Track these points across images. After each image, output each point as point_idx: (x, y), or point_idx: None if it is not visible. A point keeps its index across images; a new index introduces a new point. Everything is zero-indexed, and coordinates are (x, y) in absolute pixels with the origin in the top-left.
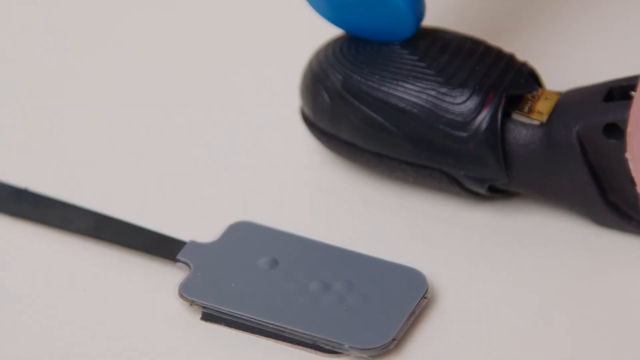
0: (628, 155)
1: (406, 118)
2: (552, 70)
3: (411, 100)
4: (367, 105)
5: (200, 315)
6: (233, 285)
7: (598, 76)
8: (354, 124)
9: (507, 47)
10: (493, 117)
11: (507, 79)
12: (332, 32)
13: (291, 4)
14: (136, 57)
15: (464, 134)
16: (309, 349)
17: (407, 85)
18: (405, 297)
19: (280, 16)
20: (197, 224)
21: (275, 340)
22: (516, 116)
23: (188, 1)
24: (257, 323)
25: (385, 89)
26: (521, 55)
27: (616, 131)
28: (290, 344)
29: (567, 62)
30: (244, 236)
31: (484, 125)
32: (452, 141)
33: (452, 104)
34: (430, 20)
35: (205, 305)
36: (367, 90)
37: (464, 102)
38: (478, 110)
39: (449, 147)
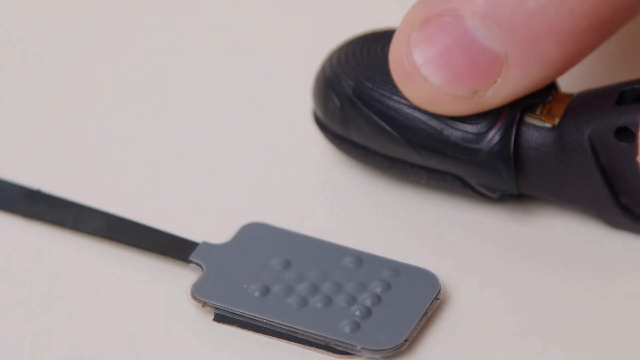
0: (639, 159)
1: (416, 129)
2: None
3: (422, 111)
4: (377, 114)
5: (212, 317)
6: (245, 286)
7: (612, 77)
8: (364, 130)
9: None
10: (507, 130)
11: None
12: (348, 34)
13: (308, 4)
14: (149, 58)
15: (477, 146)
16: (321, 350)
17: None
18: (418, 298)
19: (297, 16)
20: (209, 225)
21: (288, 341)
22: (528, 119)
23: (202, 2)
24: (270, 324)
25: (396, 98)
26: None
27: (628, 134)
28: (302, 345)
29: (581, 62)
30: (257, 237)
31: (497, 138)
32: (463, 153)
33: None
34: None
35: (217, 307)
36: (378, 98)
37: (478, 114)
38: (492, 123)
39: (460, 158)
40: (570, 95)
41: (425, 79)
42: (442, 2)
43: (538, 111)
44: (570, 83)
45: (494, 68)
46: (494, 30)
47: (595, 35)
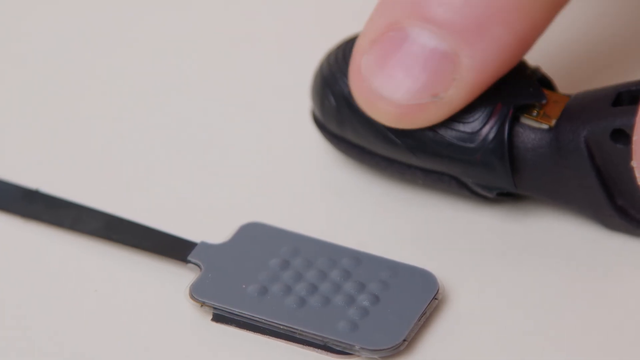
0: (634, 163)
1: (410, 130)
2: (563, 71)
3: None
4: None
5: (211, 317)
6: (244, 286)
7: (609, 78)
8: (359, 130)
9: None
10: (500, 128)
11: (515, 88)
12: (346, 32)
13: (308, 2)
14: (147, 57)
15: (471, 145)
16: (319, 350)
17: None
18: (416, 298)
19: (297, 14)
20: (208, 225)
21: (286, 341)
22: (525, 120)
23: (201, 2)
24: (268, 324)
25: None
26: (534, 57)
27: (623, 136)
28: (300, 345)
29: (579, 64)
30: (255, 237)
31: (491, 136)
32: (459, 152)
33: (459, 114)
34: None
35: (216, 307)
36: None
37: (471, 113)
38: (485, 121)
39: (456, 158)
40: (567, 97)
41: (387, 99)
42: (383, 17)
43: (535, 112)
44: (567, 84)
45: (447, 66)
46: (435, 31)
47: (543, 5)
